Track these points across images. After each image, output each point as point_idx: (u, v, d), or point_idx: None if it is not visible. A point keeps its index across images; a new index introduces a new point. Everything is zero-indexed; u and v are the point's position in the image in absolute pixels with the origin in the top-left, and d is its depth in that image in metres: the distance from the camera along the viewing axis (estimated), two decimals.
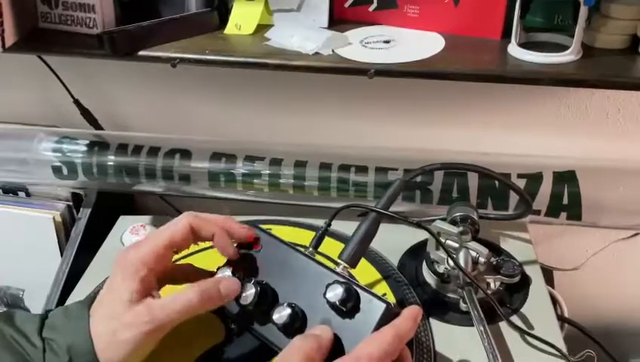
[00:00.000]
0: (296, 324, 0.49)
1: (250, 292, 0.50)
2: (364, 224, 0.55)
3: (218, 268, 0.54)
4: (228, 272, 0.53)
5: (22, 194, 0.89)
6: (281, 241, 0.55)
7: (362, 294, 0.47)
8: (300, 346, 0.44)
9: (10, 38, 0.71)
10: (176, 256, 0.54)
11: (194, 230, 0.52)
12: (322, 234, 0.56)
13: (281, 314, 0.48)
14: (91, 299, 0.51)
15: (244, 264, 0.55)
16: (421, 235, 0.70)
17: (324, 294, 0.48)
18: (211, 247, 0.54)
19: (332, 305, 0.48)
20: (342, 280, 0.49)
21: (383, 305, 0.46)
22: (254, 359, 0.53)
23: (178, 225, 0.52)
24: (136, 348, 0.47)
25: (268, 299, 0.51)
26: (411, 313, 0.47)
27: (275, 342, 0.50)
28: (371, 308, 0.47)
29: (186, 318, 0.49)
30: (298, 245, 0.54)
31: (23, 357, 0.46)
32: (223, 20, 0.76)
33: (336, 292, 0.47)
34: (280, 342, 0.49)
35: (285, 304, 0.49)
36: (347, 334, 0.47)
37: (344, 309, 0.47)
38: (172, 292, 0.50)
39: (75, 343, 0.47)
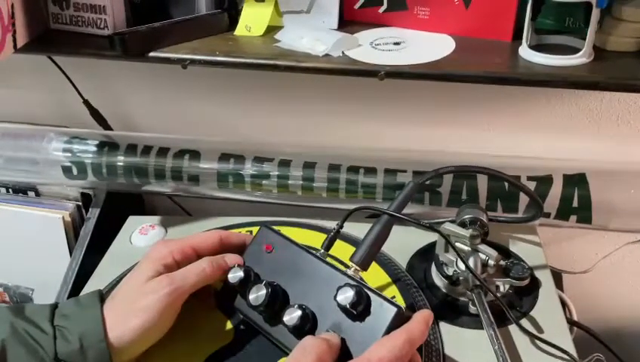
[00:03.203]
0: (307, 326, 0.49)
1: (261, 293, 0.51)
2: (377, 226, 0.55)
3: (230, 268, 0.54)
4: (240, 273, 0.53)
5: (32, 193, 0.89)
6: (293, 243, 0.55)
7: (373, 297, 0.47)
8: (311, 348, 0.44)
9: (21, 39, 0.71)
10: None
11: (223, 242, 0.57)
12: (334, 236, 0.56)
13: (291, 316, 0.48)
14: (101, 291, 0.53)
15: (255, 264, 0.55)
16: (430, 237, 0.70)
17: (335, 297, 0.47)
18: None
19: (343, 308, 0.48)
20: (353, 283, 0.49)
21: (394, 309, 0.46)
22: (264, 360, 0.53)
23: (209, 233, 0.58)
24: (157, 313, 0.49)
25: (279, 300, 0.51)
26: (423, 317, 0.47)
27: (285, 343, 0.50)
28: (382, 312, 0.47)
29: (200, 286, 0.53)
30: (308, 247, 0.55)
31: (33, 347, 0.47)
32: (233, 22, 0.77)
33: (346, 296, 0.47)
34: (290, 344, 0.49)
35: (296, 305, 0.49)
36: (357, 337, 0.47)
37: (355, 312, 0.47)
38: None
39: (88, 330, 0.48)
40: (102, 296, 0.52)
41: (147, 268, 0.52)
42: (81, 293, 0.67)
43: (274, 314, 0.51)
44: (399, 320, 0.46)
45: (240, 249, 0.58)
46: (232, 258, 0.56)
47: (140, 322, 0.49)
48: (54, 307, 0.51)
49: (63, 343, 0.47)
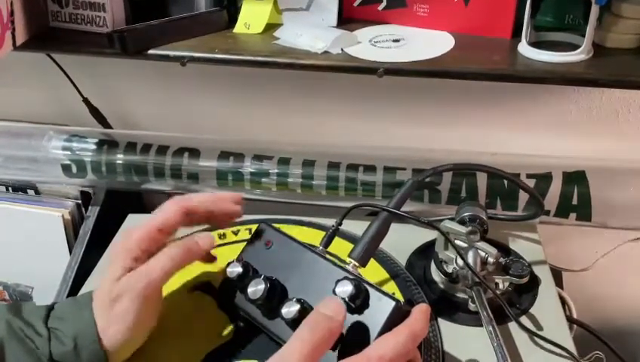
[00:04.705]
0: None
1: (260, 287, 0.51)
2: (375, 223, 0.55)
3: (228, 263, 0.54)
4: (238, 268, 0.53)
5: (31, 192, 0.89)
6: (292, 239, 0.55)
7: (372, 291, 0.47)
8: (315, 325, 0.43)
9: (20, 37, 0.71)
10: None
11: (187, 212, 0.54)
12: (333, 233, 0.56)
13: (289, 309, 0.48)
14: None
15: (254, 260, 0.55)
16: (429, 235, 0.70)
17: (334, 290, 0.48)
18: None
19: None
20: (352, 276, 0.49)
21: (392, 303, 0.46)
22: (263, 356, 0.53)
23: (170, 209, 0.53)
24: (134, 318, 0.48)
25: (277, 294, 0.51)
26: (422, 312, 0.46)
27: (284, 337, 0.50)
28: (380, 306, 0.47)
29: (173, 273, 0.50)
30: (307, 244, 0.55)
31: (29, 347, 0.47)
32: (233, 19, 0.77)
33: (345, 289, 0.47)
34: (288, 337, 0.49)
35: (294, 299, 0.49)
36: (355, 331, 0.47)
37: (353, 306, 0.47)
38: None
39: (81, 331, 0.48)
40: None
41: (116, 267, 0.50)
42: (81, 291, 0.68)
43: (272, 308, 0.51)
44: (397, 314, 0.46)
45: (208, 215, 0.56)
46: (203, 239, 0.53)
47: (122, 327, 0.48)
48: (50, 308, 0.50)
49: (58, 345, 0.47)
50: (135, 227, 0.52)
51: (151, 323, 0.51)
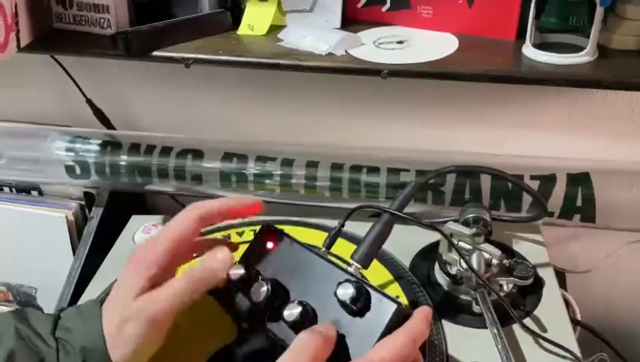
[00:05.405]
0: (307, 322, 0.49)
1: (262, 289, 0.51)
2: (378, 225, 0.55)
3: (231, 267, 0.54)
4: (241, 270, 0.53)
5: (35, 193, 0.89)
6: (294, 240, 0.55)
7: (373, 294, 0.47)
8: (307, 342, 0.44)
9: (25, 38, 0.71)
10: None
11: (204, 221, 0.52)
12: (335, 234, 0.56)
13: (291, 312, 0.48)
14: (103, 298, 0.51)
15: (256, 262, 0.55)
16: (433, 236, 0.69)
17: (335, 292, 0.48)
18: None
19: (342, 304, 0.47)
20: (353, 279, 0.49)
21: (394, 306, 0.46)
22: (266, 357, 0.53)
23: (187, 222, 0.51)
24: (143, 341, 0.47)
25: (279, 296, 0.51)
26: (423, 314, 0.46)
27: (285, 339, 0.50)
28: (382, 308, 0.47)
29: (188, 303, 0.49)
30: (310, 245, 0.55)
31: (39, 356, 0.47)
32: (236, 21, 0.77)
33: (346, 291, 0.47)
34: (290, 340, 0.49)
35: (296, 301, 0.49)
36: (356, 333, 0.47)
37: (354, 308, 0.47)
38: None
39: (89, 344, 0.47)
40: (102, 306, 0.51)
41: (131, 284, 0.48)
42: (84, 292, 0.68)
43: (275, 310, 0.51)
44: (399, 317, 0.46)
45: (224, 214, 0.54)
46: (219, 262, 0.51)
47: (129, 350, 0.47)
48: (57, 317, 0.50)
49: (66, 357, 0.47)
50: (153, 239, 0.50)
51: (159, 344, 0.50)
